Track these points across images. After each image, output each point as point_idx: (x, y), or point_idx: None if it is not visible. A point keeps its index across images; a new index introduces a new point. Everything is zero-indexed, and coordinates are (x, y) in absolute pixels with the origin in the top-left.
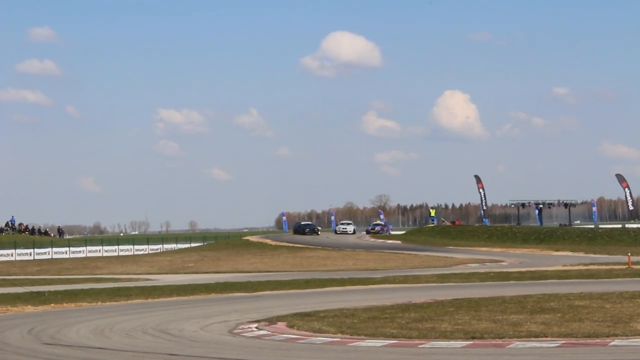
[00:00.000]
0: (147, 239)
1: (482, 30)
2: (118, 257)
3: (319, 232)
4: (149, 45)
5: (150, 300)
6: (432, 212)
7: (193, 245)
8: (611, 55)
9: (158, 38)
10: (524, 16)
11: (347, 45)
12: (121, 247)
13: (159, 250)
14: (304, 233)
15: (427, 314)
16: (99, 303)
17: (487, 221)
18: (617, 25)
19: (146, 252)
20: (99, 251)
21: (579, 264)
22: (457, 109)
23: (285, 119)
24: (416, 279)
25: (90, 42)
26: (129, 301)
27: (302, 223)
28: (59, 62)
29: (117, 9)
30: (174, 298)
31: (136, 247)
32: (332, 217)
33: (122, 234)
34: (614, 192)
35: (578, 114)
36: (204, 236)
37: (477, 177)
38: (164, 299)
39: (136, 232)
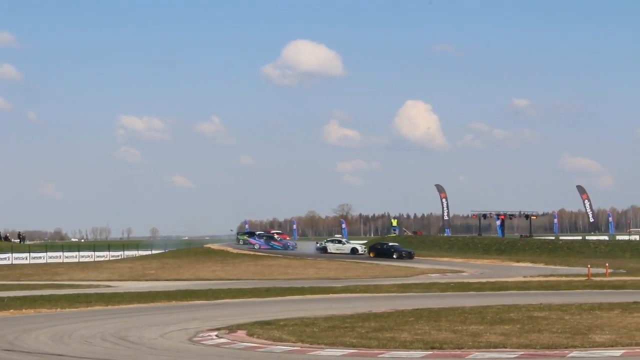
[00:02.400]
0: (108, 246)
1: (444, 42)
2: (79, 263)
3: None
4: (110, 51)
5: (110, 307)
6: (394, 222)
7: (154, 252)
8: (571, 67)
9: (120, 44)
10: (485, 28)
11: (308, 54)
12: (82, 253)
13: (120, 257)
14: (390, 256)
15: (387, 324)
16: (59, 309)
17: (448, 231)
18: (577, 38)
19: (107, 259)
20: (60, 257)
21: (539, 276)
22: (418, 119)
23: (247, 128)
24: (377, 289)
25: (51, 47)
26: (88, 308)
27: (388, 244)
28: (19, 66)
29: (78, 14)
30: (134, 305)
31: (97, 253)
32: (294, 226)
33: (83, 240)
34: (574, 204)
35: (538, 126)
36: (165, 243)
37: (439, 186)
38: (124, 306)
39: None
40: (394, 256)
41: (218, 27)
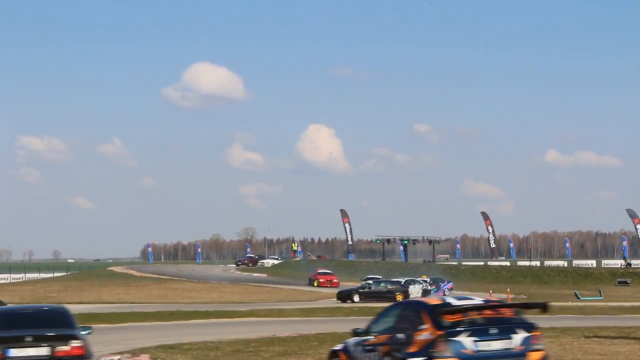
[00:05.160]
0: (9, 268)
1: (343, 66)
2: None
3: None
4: (9, 71)
5: None
6: (294, 246)
7: (56, 275)
8: (471, 92)
9: (19, 64)
10: (383, 53)
11: (209, 76)
12: None
13: (21, 280)
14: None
15: (292, 348)
16: None
17: (352, 256)
18: (476, 63)
19: (8, 281)
20: None
21: None
22: (321, 143)
23: (149, 149)
24: (281, 313)
25: None
26: None
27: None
28: None
29: None
30: None
31: None
32: (199, 250)
33: None
34: (476, 230)
35: (439, 151)
36: (67, 266)
37: (342, 211)
38: None
39: None
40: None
41: (120, 48)
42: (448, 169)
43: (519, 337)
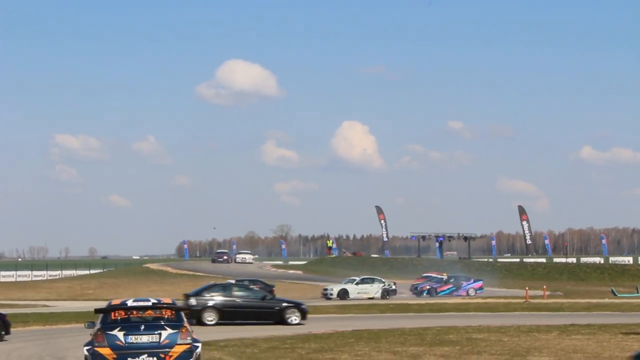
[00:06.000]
0: (46, 265)
1: (375, 64)
2: (16, 282)
3: None
4: (43, 69)
5: (48, 327)
6: (329, 243)
7: (92, 272)
8: (505, 91)
9: (53, 62)
10: (415, 51)
11: (242, 73)
12: (19, 272)
13: (57, 277)
14: None
15: (327, 345)
16: None
17: (388, 253)
18: (511, 60)
19: (45, 278)
20: None
21: (477, 297)
22: (355, 139)
23: (183, 147)
24: (316, 310)
25: None
26: (26, 328)
27: None
28: None
29: (8, 29)
30: (73, 325)
31: (34, 272)
32: (234, 247)
33: (20, 259)
34: (512, 227)
35: (473, 148)
36: (103, 263)
37: (378, 208)
38: (62, 326)
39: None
40: None
41: (153, 46)
42: (482, 166)
43: (165, 333)
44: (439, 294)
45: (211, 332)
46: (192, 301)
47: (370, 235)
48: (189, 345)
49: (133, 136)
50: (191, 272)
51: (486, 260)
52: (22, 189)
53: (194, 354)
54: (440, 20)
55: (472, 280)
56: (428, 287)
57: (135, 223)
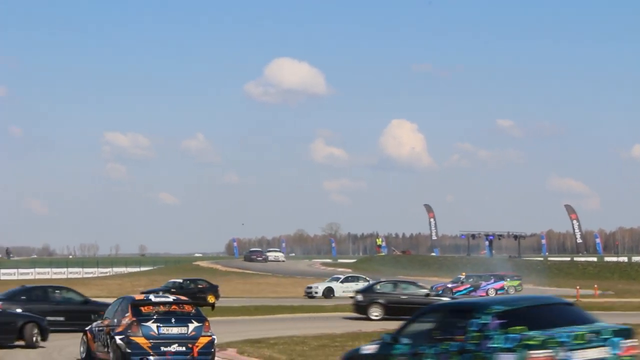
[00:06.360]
0: (97, 262)
1: (423, 62)
2: (67, 279)
3: None
4: (93, 67)
5: None
6: (379, 241)
7: (143, 269)
8: (555, 88)
9: (103, 60)
10: (463, 48)
11: (291, 71)
12: (70, 269)
13: (108, 274)
14: None
15: None
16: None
17: (437, 251)
18: (562, 58)
19: (95, 275)
20: (48, 273)
21: None
22: (404, 138)
23: (231, 145)
24: None
25: (35, 61)
26: None
27: None
28: (2, 80)
29: (61, 29)
30: None
31: (85, 270)
32: (283, 244)
33: (71, 257)
34: (562, 225)
35: (523, 147)
36: (153, 260)
37: (427, 206)
38: None
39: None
40: None
41: (202, 44)
42: (532, 164)
43: (192, 326)
44: (455, 295)
45: (261, 329)
46: (359, 297)
47: (419, 233)
48: (210, 337)
49: (182, 134)
50: (240, 270)
51: (536, 259)
52: (74, 187)
53: (214, 345)
54: (488, 17)
55: (492, 280)
56: (442, 287)
57: (184, 221)
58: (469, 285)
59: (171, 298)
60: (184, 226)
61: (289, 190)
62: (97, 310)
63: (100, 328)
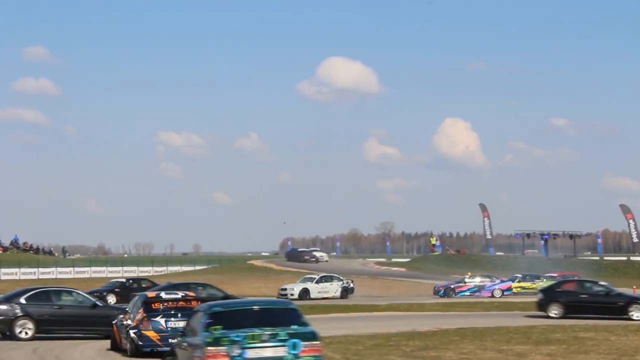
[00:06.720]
0: (152, 261)
1: (476, 60)
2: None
3: None
4: (148, 66)
5: None
6: (433, 240)
7: (197, 268)
8: (610, 86)
9: (157, 59)
10: (517, 47)
11: (343, 70)
12: (125, 268)
13: (163, 273)
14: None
15: (432, 343)
16: None
17: (492, 250)
18: (617, 55)
19: (150, 274)
20: (104, 272)
21: None
22: (458, 137)
23: (285, 144)
24: (421, 307)
25: (88, 62)
26: None
27: None
28: (57, 81)
29: (115, 30)
30: None
31: (140, 268)
32: (338, 244)
33: (126, 256)
34: (618, 225)
35: (578, 145)
36: (208, 259)
37: (482, 205)
38: None
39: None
40: None
41: (256, 43)
42: (587, 163)
43: None
44: (458, 295)
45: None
46: (540, 295)
47: (474, 233)
48: None
49: (236, 133)
50: (295, 269)
51: (592, 258)
52: (128, 186)
53: None
54: (541, 15)
55: (498, 281)
56: (444, 287)
57: (238, 220)
58: (472, 286)
59: (180, 295)
60: (238, 225)
61: (342, 190)
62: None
63: (122, 322)
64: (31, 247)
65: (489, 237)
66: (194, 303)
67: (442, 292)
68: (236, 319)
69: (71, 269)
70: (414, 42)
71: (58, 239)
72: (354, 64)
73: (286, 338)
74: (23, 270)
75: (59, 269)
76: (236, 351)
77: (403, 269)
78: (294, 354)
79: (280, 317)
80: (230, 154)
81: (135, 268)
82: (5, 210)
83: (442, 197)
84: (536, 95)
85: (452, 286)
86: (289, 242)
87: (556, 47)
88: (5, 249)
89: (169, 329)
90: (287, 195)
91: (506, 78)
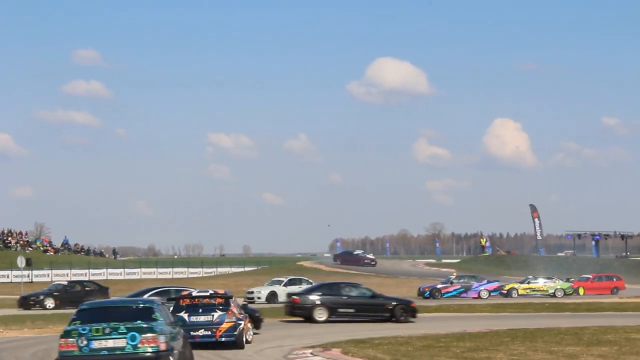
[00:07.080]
0: (202, 262)
1: (526, 60)
2: (172, 279)
3: None
4: (197, 68)
5: None
6: (483, 241)
7: (247, 269)
8: None
9: (207, 61)
10: (567, 46)
11: (393, 71)
12: (175, 269)
13: (213, 274)
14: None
15: (483, 344)
16: None
17: (542, 251)
18: None
19: (200, 275)
20: (154, 273)
21: (636, 297)
22: (507, 137)
23: (334, 145)
24: (471, 308)
25: (138, 65)
26: None
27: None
28: (108, 84)
29: (165, 33)
30: None
31: (190, 270)
32: (387, 244)
33: (176, 257)
34: None
35: (629, 145)
36: (258, 260)
37: (532, 206)
38: None
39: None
40: None
41: (303, 45)
42: (638, 162)
43: (217, 314)
44: (444, 296)
45: (365, 329)
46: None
47: (524, 233)
48: (233, 323)
49: (285, 134)
50: (344, 270)
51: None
52: (178, 188)
53: (238, 328)
54: (592, 13)
55: (485, 281)
56: (430, 287)
57: (288, 221)
58: (459, 287)
59: (209, 292)
60: (287, 226)
61: (392, 190)
62: (383, 303)
63: None
64: (82, 248)
65: (539, 237)
66: (218, 300)
67: (427, 293)
68: (95, 315)
69: (122, 270)
70: (464, 42)
71: (109, 240)
72: (402, 64)
73: (125, 331)
74: (74, 271)
75: (110, 270)
76: (84, 342)
77: (453, 270)
78: (133, 345)
79: (132, 314)
80: (279, 155)
81: (185, 269)
82: (56, 212)
83: (492, 198)
84: (587, 95)
85: (438, 287)
86: (338, 243)
87: (608, 47)
88: (56, 251)
89: (191, 322)
90: (336, 195)
91: (556, 78)
